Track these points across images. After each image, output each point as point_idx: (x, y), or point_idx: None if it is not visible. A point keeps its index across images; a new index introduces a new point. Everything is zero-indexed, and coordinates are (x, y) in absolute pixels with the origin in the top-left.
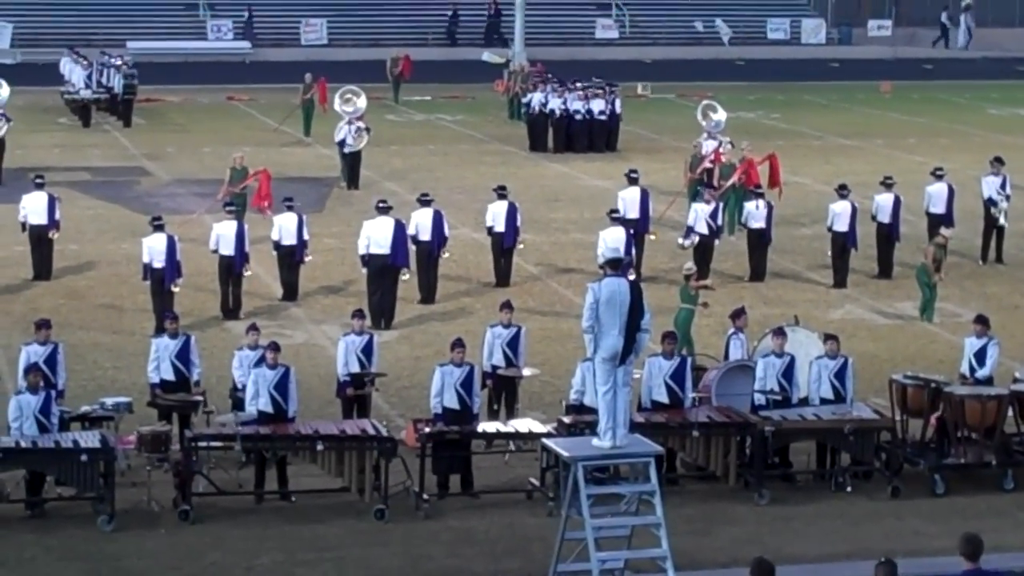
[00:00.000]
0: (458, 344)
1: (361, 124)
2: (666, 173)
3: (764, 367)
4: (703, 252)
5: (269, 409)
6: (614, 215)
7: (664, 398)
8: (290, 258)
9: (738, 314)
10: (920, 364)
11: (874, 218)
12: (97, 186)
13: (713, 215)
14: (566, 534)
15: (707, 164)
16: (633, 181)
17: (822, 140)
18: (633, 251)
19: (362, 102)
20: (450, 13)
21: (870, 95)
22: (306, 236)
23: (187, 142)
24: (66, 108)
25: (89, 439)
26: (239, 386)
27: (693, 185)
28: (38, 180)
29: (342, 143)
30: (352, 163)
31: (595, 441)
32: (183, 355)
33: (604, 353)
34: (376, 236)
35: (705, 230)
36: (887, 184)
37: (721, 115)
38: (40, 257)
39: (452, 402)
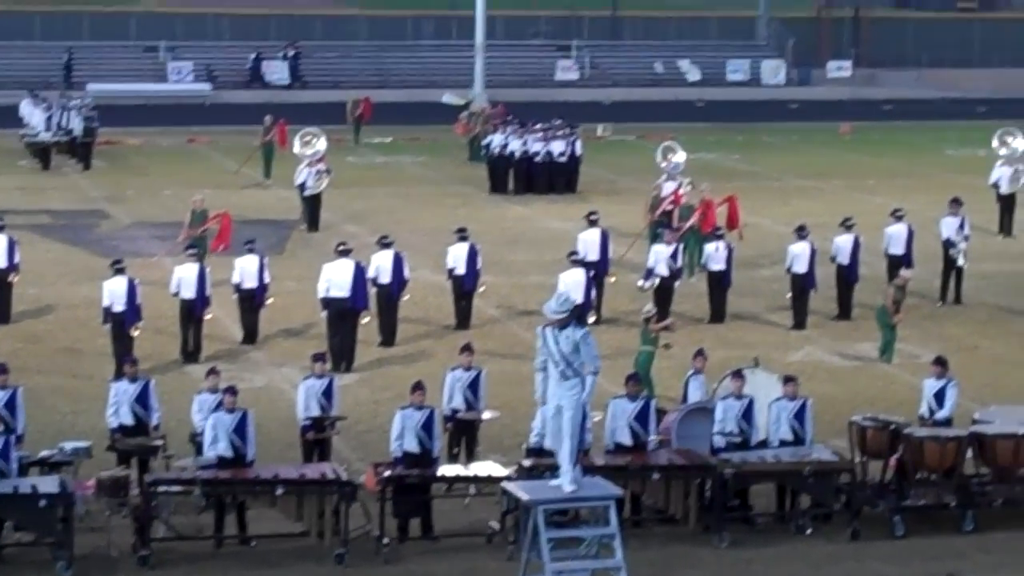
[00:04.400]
0: (418, 387)
1: (322, 166)
2: (626, 215)
3: (723, 409)
4: (663, 294)
5: (228, 454)
6: (574, 257)
7: (627, 440)
8: (250, 301)
9: (698, 356)
10: (879, 406)
11: (833, 259)
12: (57, 229)
13: (673, 256)
14: None
15: (667, 206)
16: (593, 223)
17: (781, 181)
18: (593, 293)
19: (322, 144)
20: None
21: (829, 136)
22: (267, 279)
23: (147, 185)
24: (26, 151)
25: (48, 484)
26: (198, 430)
27: (653, 227)
28: None
29: (302, 186)
30: (312, 205)
31: (552, 481)
32: (142, 399)
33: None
34: (336, 279)
35: (665, 272)
36: (846, 225)
37: (680, 156)
38: None
39: (412, 445)
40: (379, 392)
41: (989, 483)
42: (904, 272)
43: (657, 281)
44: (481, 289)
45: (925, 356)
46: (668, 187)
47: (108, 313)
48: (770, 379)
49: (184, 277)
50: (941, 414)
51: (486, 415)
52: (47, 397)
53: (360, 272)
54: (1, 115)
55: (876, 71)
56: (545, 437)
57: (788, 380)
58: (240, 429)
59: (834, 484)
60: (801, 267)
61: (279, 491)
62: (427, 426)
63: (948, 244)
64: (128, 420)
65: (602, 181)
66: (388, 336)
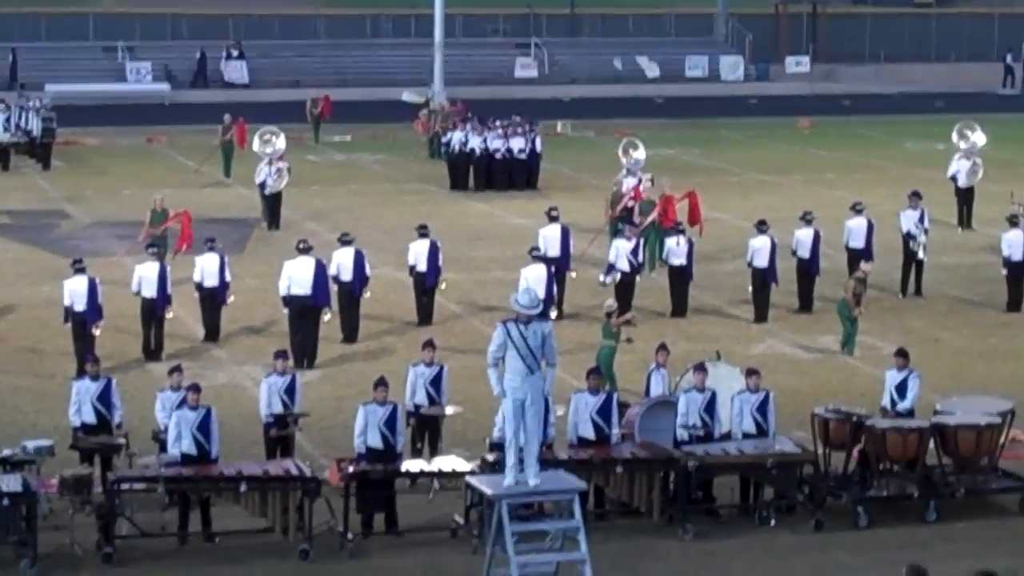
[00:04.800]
0: (381, 383)
1: (282, 164)
2: (587, 211)
3: (686, 402)
4: (624, 289)
5: (192, 451)
6: (535, 253)
7: (591, 434)
8: (212, 299)
9: (660, 349)
10: (842, 397)
11: (794, 253)
12: (16, 229)
13: (634, 252)
14: (491, 571)
15: (627, 201)
16: (553, 219)
17: (741, 176)
18: (554, 289)
19: (281, 142)
20: None
21: (788, 131)
22: (228, 277)
23: (107, 184)
24: None
25: (11, 483)
26: (161, 428)
27: (614, 222)
28: None
29: (263, 184)
30: (273, 204)
31: (506, 481)
32: (104, 397)
33: (510, 396)
34: (297, 276)
35: (626, 267)
36: (806, 219)
37: (641, 153)
38: None
39: (376, 441)
40: (342, 388)
41: (951, 473)
42: (864, 265)
43: (618, 276)
44: (442, 285)
45: (886, 348)
46: (628, 183)
47: (69, 312)
48: (732, 372)
49: (145, 276)
50: (903, 405)
51: (449, 410)
52: (9, 396)
53: (321, 269)
54: None
55: (834, 66)
56: (506, 431)
57: (750, 373)
58: (203, 426)
59: (797, 476)
60: (762, 261)
61: (243, 487)
62: (390, 422)
63: (908, 237)
64: (90, 418)
65: (562, 177)
66: (350, 333)
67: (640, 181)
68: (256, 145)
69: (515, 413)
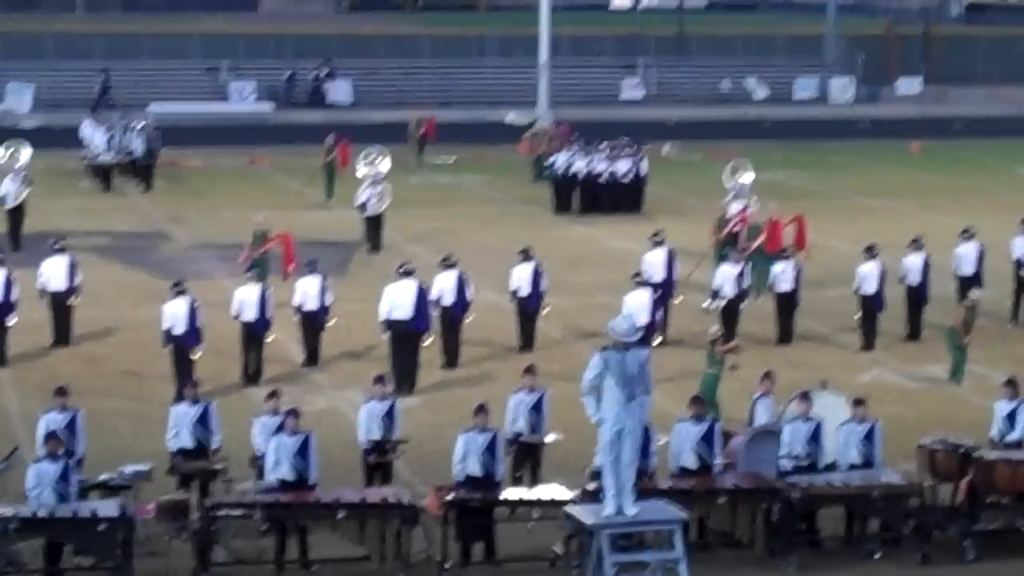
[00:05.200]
0: (481, 410)
1: (383, 186)
2: (692, 235)
3: (791, 432)
4: (729, 315)
5: (290, 477)
6: (638, 278)
7: (692, 464)
8: (312, 323)
9: (765, 378)
10: (949, 428)
11: (902, 280)
12: (117, 251)
13: (740, 277)
14: None
15: (733, 226)
16: (658, 243)
17: (849, 201)
18: (658, 314)
19: (386, 164)
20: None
21: (898, 155)
22: (328, 300)
23: (208, 205)
24: (86, 172)
25: (108, 508)
26: (260, 453)
27: (719, 247)
28: (56, 246)
29: (363, 206)
30: (374, 226)
31: (606, 511)
32: (203, 422)
33: (609, 424)
34: (398, 300)
35: (732, 292)
36: (916, 245)
37: (749, 176)
38: (59, 323)
39: (475, 469)
40: (441, 415)
41: None
42: (974, 292)
43: (723, 302)
44: (545, 310)
45: (996, 377)
46: (735, 207)
47: (168, 335)
48: (838, 401)
49: (245, 299)
50: (1012, 436)
51: (549, 438)
52: (108, 420)
53: (422, 293)
54: (62, 136)
55: (946, 88)
56: (604, 460)
57: (857, 402)
58: (302, 452)
59: (903, 508)
60: (870, 288)
61: (340, 515)
62: (490, 449)
63: (1019, 264)
64: (188, 443)
65: (667, 200)
66: (451, 358)
67: (747, 205)
68: (361, 166)
69: (612, 442)
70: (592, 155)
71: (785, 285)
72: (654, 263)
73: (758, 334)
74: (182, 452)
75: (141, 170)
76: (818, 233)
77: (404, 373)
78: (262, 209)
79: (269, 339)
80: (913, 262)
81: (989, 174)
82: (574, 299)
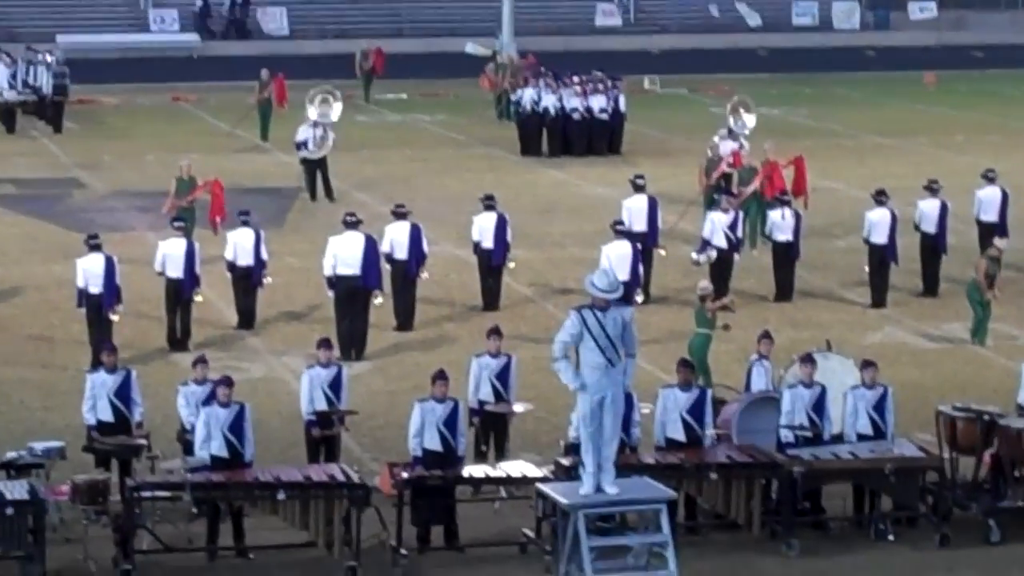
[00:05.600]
0: (440, 377)
1: (323, 128)
2: (677, 179)
3: (791, 399)
4: (721, 268)
5: (223, 453)
6: (618, 227)
7: (680, 435)
8: (246, 280)
9: (762, 338)
10: (971, 394)
11: (917, 228)
12: (24, 200)
13: (732, 226)
14: None
15: (725, 168)
16: (640, 188)
17: (856, 139)
18: (640, 269)
19: (337, 109)
20: None
21: (911, 87)
22: (264, 255)
23: (127, 149)
24: None
25: (16, 490)
26: (188, 427)
27: (709, 192)
28: None
29: (303, 145)
30: (315, 170)
31: (582, 489)
32: (123, 392)
33: (588, 392)
34: (344, 254)
35: (723, 243)
36: (932, 189)
37: (752, 117)
38: None
39: (434, 443)
40: (395, 382)
41: None
42: (998, 241)
43: (714, 254)
44: (511, 265)
45: (1023, 336)
46: (726, 146)
47: (83, 295)
48: (845, 364)
49: (170, 254)
50: None
51: (518, 407)
52: (15, 391)
53: (372, 246)
54: None
55: (964, 12)
56: (582, 432)
57: (866, 365)
58: (236, 425)
59: (920, 483)
60: (880, 237)
61: (281, 495)
62: (450, 421)
63: None
64: (107, 416)
65: (649, 140)
66: (405, 319)
67: (741, 146)
68: (311, 108)
69: (593, 412)
70: (563, 90)
71: (784, 234)
72: (635, 211)
73: (754, 290)
74: (100, 426)
75: (49, 109)
76: (822, 176)
77: (352, 336)
78: (188, 153)
79: (197, 299)
80: (929, 207)
81: (1012, 108)
82: (544, 252)
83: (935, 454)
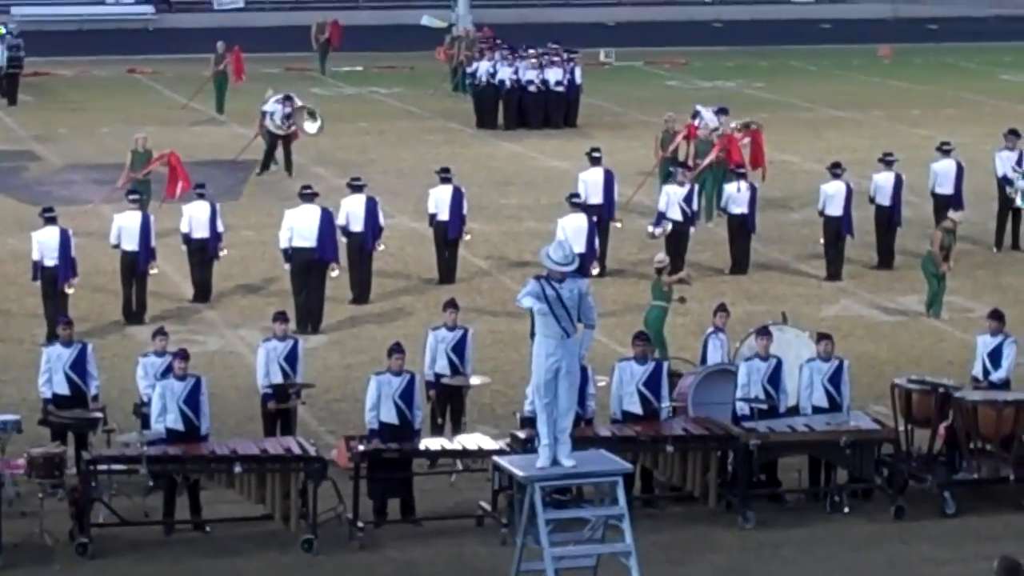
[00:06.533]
0: (396, 350)
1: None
2: (633, 151)
3: (747, 372)
4: (677, 241)
5: (179, 426)
6: (574, 200)
7: (637, 408)
8: (202, 253)
9: (718, 311)
10: (927, 366)
11: (872, 200)
12: None
13: (688, 199)
14: (522, 565)
15: (680, 140)
16: (596, 161)
17: (812, 112)
18: (596, 241)
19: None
20: None
21: (867, 60)
22: (220, 228)
23: (82, 122)
24: None
25: None
26: (144, 400)
27: (665, 165)
28: None
29: (269, 115)
30: (276, 143)
31: (539, 462)
32: (79, 365)
33: (543, 362)
34: (300, 227)
35: (679, 216)
36: (887, 161)
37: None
38: None
39: (390, 416)
40: (351, 356)
41: None
42: (953, 214)
43: (670, 227)
44: (467, 237)
45: (979, 310)
46: (710, 116)
47: (38, 268)
48: (800, 337)
49: (125, 226)
50: (997, 375)
51: (474, 380)
52: None
53: (328, 219)
54: None
55: None
56: (538, 404)
57: (822, 338)
58: (192, 398)
59: (875, 456)
60: (836, 209)
61: (237, 469)
62: (407, 394)
63: (1004, 182)
64: (63, 389)
65: (605, 113)
66: (361, 292)
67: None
68: (310, 126)
69: (548, 383)
70: (518, 62)
71: (740, 207)
72: (591, 183)
73: (710, 262)
74: (56, 399)
75: (4, 81)
76: (777, 149)
77: (308, 309)
78: (144, 125)
79: (153, 272)
80: (884, 180)
81: (969, 81)
82: (500, 225)
83: (890, 426)
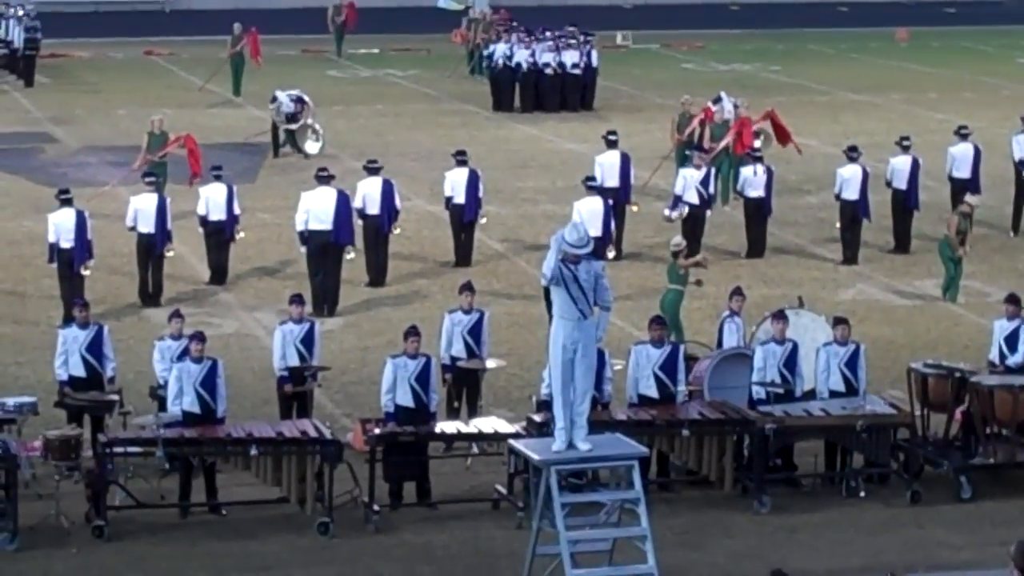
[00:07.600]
0: (412, 333)
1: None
2: (650, 135)
3: (763, 356)
4: (693, 225)
5: (195, 409)
6: (590, 183)
7: (653, 392)
8: (218, 236)
9: (734, 295)
10: (943, 350)
11: (889, 184)
12: None
13: (704, 182)
14: (538, 549)
15: (696, 124)
16: (612, 144)
17: (829, 95)
18: (612, 225)
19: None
20: None
21: (884, 43)
22: (236, 210)
23: (99, 103)
24: None
25: None
26: (160, 383)
27: (681, 148)
28: None
29: (277, 102)
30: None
31: (555, 445)
32: (95, 348)
33: (559, 345)
34: (316, 210)
35: (695, 199)
36: (904, 145)
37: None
38: None
39: (406, 399)
40: (367, 338)
41: None
42: (970, 198)
43: (686, 210)
44: (483, 220)
45: (995, 294)
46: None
47: (55, 250)
48: (817, 321)
49: (142, 209)
50: (1014, 360)
51: (490, 363)
52: None
53: (344, 201)
54: None
55: None
56: (554, 387)
57: (838, 322)
58: (208, 381)
59: (891, 441)
60: (852, 193)
61: (253, 451)
62: (423, 377)
63: (1021, 165)
64: (79, 371)
65: (622, 96)
66: (377, 274)
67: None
68: (312, 145)
69: (564, 366)
70: (535, 45)
71: (756, 190)
72: (608, 166)
73: (726, 246)
74: (72, 381)
75: (21, 63)
76: (794, 132)
77: (324, 292)
78: (160, 107)
79: (169, 254)
80: (901, 164)
81: (987, 65)
82: (516, 208)
83: (906, 411)
